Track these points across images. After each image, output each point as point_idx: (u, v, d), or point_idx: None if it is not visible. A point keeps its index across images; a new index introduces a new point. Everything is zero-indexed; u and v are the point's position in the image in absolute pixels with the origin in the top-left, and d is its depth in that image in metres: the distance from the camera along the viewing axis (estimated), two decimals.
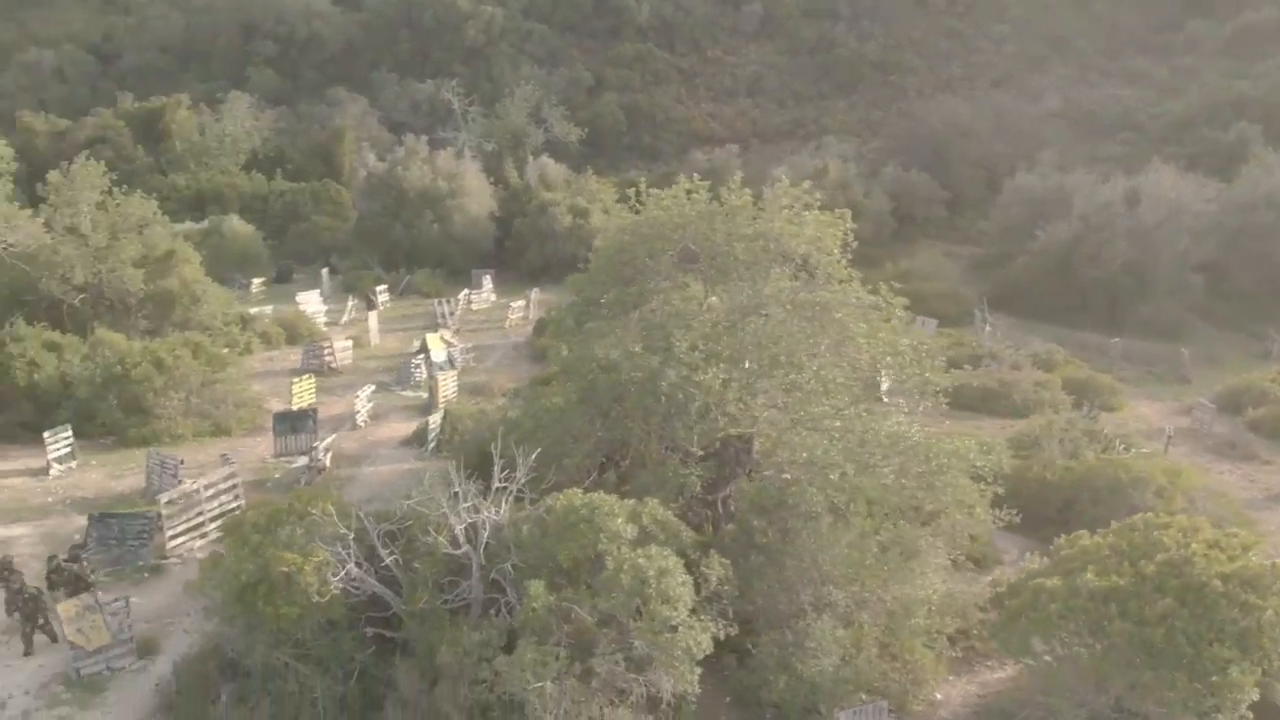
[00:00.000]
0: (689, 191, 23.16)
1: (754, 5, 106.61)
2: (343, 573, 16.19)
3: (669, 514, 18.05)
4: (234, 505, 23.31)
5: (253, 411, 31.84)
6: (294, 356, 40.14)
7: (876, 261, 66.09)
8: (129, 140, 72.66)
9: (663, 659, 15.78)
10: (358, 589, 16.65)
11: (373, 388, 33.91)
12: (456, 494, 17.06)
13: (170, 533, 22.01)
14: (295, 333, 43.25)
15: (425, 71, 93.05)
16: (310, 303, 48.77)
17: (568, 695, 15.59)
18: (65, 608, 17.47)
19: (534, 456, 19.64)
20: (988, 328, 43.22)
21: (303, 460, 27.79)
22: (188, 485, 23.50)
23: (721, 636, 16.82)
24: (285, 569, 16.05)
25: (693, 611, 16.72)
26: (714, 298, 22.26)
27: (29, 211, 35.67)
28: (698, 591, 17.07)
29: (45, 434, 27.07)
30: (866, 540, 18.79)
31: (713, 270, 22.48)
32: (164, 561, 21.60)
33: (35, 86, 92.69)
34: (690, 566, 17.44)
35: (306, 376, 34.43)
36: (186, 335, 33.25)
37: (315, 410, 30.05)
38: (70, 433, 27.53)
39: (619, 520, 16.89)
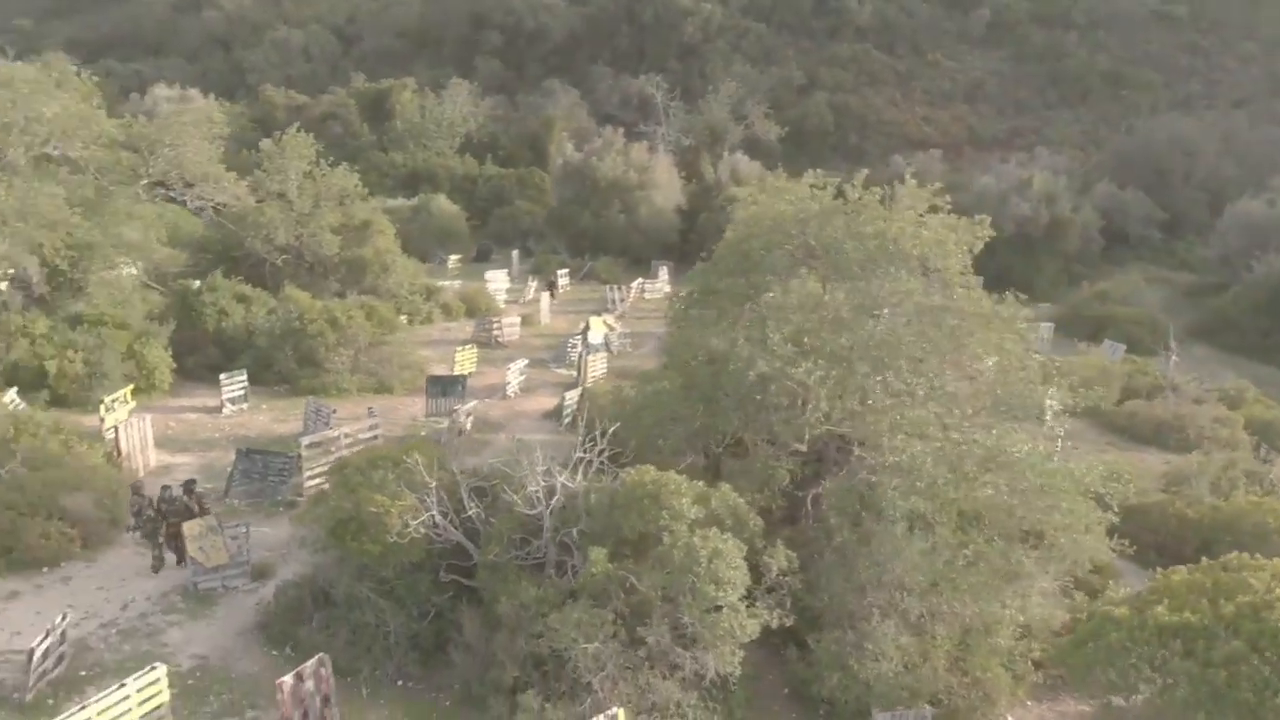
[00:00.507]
0: (814, 187, 23.21)
1: (982, 10, 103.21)
2: (423, 518, 17.37)
3: (740, 501, 18.30)
4: None
5: (415, 374, 33.92)
6: (469, 328, 42.52)
7: (1077, 279, 63.34)
8: (356, 117, 78.23)
9: (707, 637, 16.16)
10: (440, 536, 17.81)
11: (526, 362, 35.47)
12: (537, 458, 17.96)
13: (308, 473, 24.00)
14: (474, 307, 45.70)
15: (641, 66, 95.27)
16: (496, 281, 51.35)
17: (613, 659, 16.22)
18: (189, 526, 19.55)
19: (634, 434, 20.53)
20: (1173, 358, 40.66)
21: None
22: (331, 432, 25.53)
23: (774, 625, 17.01)
24: (374, 509, 17.42)
25: (749, 598, 17.03)
26: (830, 295, 22.22)
27: (234, 175, 39.20)
28: (758, 580, 17.33)
29: (222, 376, 30.00)
30: (946, 551, 18.46)
31: (829, 268, 22.43)
32: (299, 499, 23.59)
33: (283, 63, 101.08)
34: (755, 554, 17.73)
35: (470, 346, 36.50)
36: (364, 299, 35.80)
37: (466, 377, 31.83)
38: (245, 377, 30.35)
39: (684, 500, 17.33)
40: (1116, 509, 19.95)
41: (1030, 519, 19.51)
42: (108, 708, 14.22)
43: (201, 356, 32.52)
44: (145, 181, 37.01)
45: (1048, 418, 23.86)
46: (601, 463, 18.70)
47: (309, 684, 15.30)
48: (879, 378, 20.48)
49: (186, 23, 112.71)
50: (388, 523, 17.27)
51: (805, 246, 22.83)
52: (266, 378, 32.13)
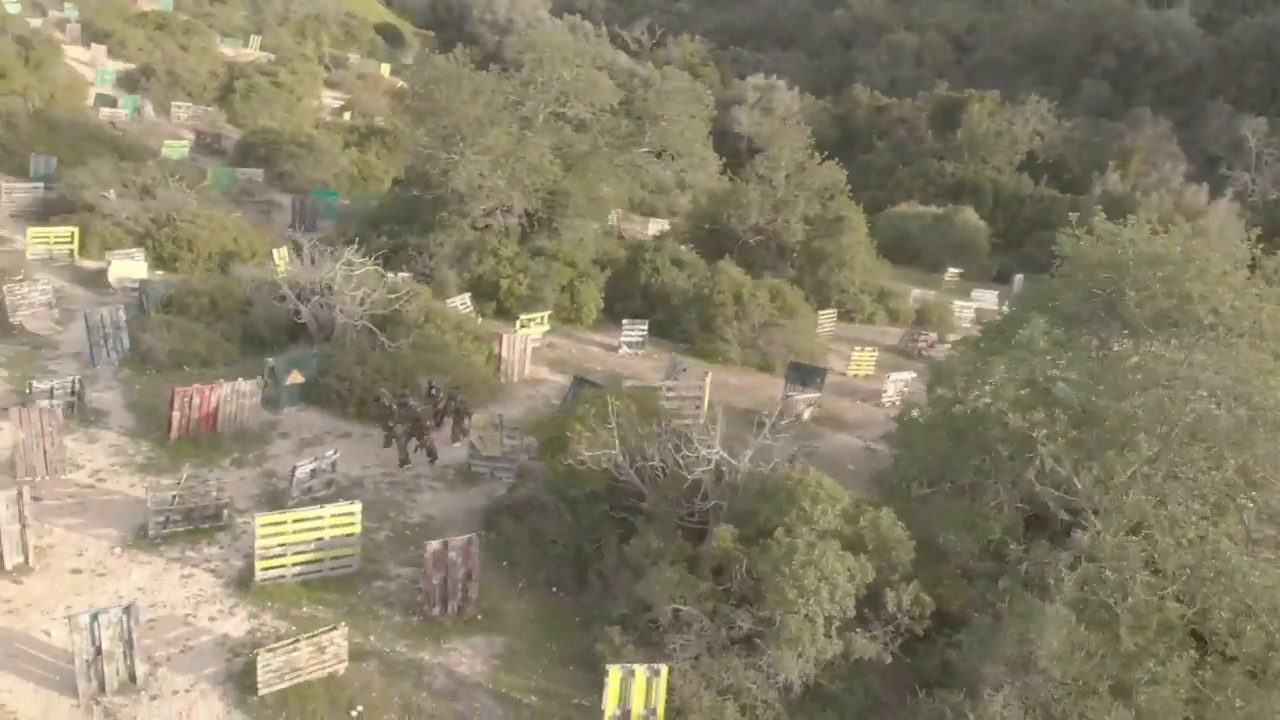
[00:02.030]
0: (1154, 230, 20.64)
1: None
2: (604, 454, 19.41)
3: (895, 531, 17.65)
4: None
5: (806, 360, 35.36)
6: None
7: None
8: (924, 124, 79.19)
9: (774, 637, 16.29)
10: (621, 476, 19.72)
11: (914, 376, 35.03)
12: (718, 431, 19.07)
13: None
14: (925, 318, 45.33)
15: (1273, 109, 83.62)
16: (982, 301, 50.13)
17: (700, 629, 17.01)
18: (478, 419, 23.60)
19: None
20: None
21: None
22: (663, 381, 28.30)
23: (868, 655, 16.54)
24: (570, 434, 19.88)
25: (860, 620, 16.74)
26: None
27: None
28: (874, 607, 16.89)
29: (625, 321, 34.14)
30: (1119, 658, 16.22)
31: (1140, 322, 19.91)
32: None
33: (891, 65, 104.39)
34: (890, 584, 17.23)
35: (871, 349, 36.93)
36: (776, 283, 37.80)
37: (826, 370, 32.62)
38: (645, 327, 34.19)
39: (819, 507, 17.34)
40: None
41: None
42: (305, 518, 18.48)
43: (629, 304, 36.97)
44: (644, 149, 42.45)
45: None
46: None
47: (453, 555, 18.27)
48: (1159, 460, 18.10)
49: (819, 19, 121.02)
50: (576, 448, 19.60)
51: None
52: (672, 334, 35.71)
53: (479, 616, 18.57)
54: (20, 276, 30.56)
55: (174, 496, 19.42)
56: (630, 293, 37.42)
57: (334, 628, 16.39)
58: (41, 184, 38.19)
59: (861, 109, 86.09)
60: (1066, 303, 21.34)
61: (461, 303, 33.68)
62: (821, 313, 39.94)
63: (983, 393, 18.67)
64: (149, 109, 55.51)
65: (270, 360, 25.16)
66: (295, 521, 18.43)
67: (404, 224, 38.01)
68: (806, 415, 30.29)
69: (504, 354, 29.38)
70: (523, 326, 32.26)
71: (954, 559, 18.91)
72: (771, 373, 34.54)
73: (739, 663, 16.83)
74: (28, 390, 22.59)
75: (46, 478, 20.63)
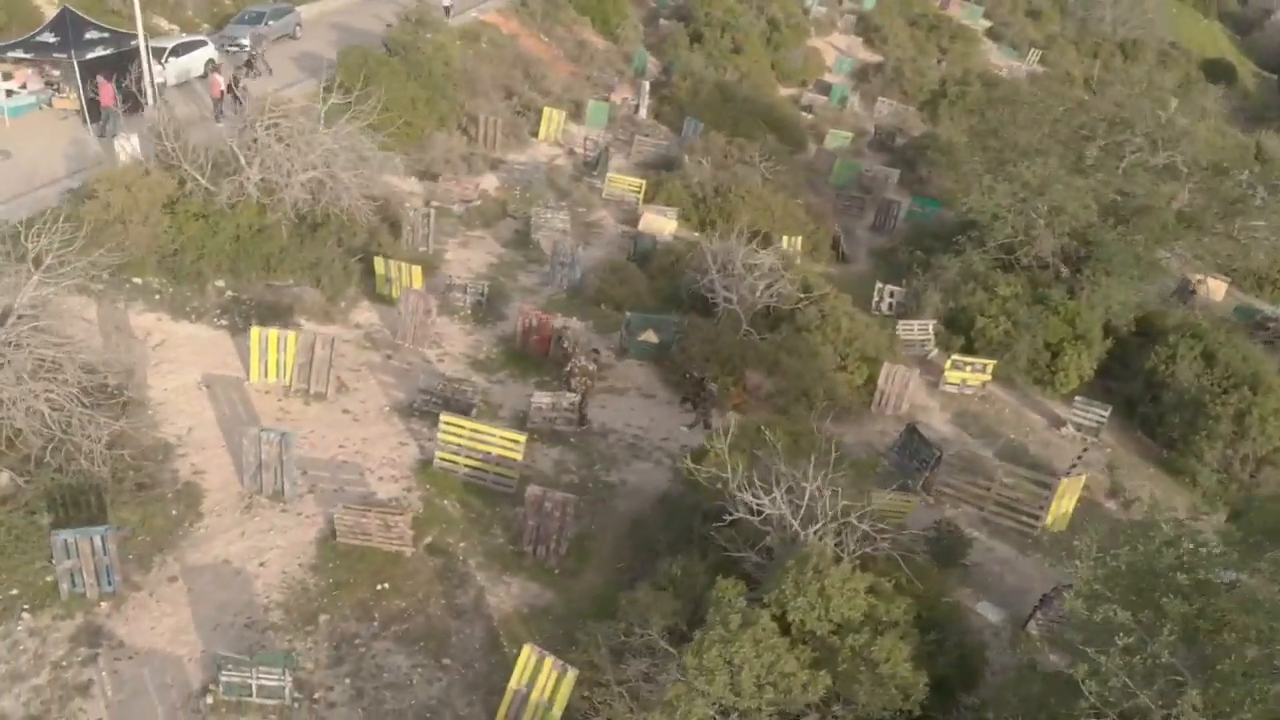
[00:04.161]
0: None
1: None
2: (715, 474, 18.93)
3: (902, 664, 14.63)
4: None
5: None
6: None
7: None
8: None
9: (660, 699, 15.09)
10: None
11: None
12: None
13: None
14: None
15: None
16: None
17: (656, 658, 16.39)
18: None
19: None
20: None
21: None
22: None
23: None
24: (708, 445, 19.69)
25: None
26: None
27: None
28: None
29: (1078, 398, 29.66)
30: None
31: None
32: (925, 497, 24.63)
33: None
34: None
35: None
36: None
37: None
38: (1106, 413, 29.26)
39: (802, 593, 15.22)
40: None
41: None
42: (480, 429, 21.45)
43: (1127, 385, 31.71)
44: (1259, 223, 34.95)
45: None
46: None
47: (549, 505, 19.80)
48: None
49: None
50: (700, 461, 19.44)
51: None
52: (1157, 434, 30.00)
53: (555, 571, 19.88)
54: (584, 211, 37.64)
55: (440, 384, 23.82)
56: (1134, 373, 31.98)
57: (400, 511, 19.35)
58: (671, 141, 45.27)
59: None
60: None
61: (920, 328, 32.47)
62: None
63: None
64: (854, 100, 60.26)
65: (629, 314, 28.07)
66: (471, 430, 21.52)
67: (938, 239, 37.26)
68: None
69: (881, 383, 28.19)
70: (953, 368, 30.20)
71: None
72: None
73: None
74: (449, 280, 28.88)
75: (410, 345, 26.58)
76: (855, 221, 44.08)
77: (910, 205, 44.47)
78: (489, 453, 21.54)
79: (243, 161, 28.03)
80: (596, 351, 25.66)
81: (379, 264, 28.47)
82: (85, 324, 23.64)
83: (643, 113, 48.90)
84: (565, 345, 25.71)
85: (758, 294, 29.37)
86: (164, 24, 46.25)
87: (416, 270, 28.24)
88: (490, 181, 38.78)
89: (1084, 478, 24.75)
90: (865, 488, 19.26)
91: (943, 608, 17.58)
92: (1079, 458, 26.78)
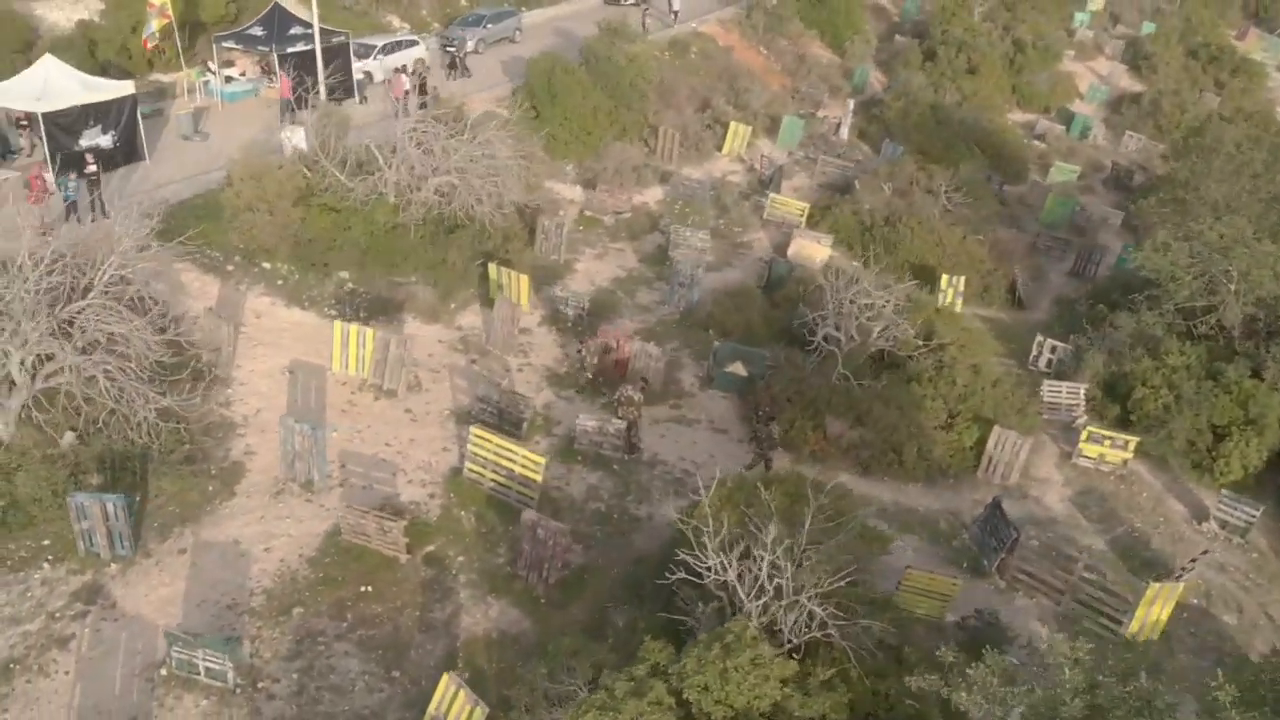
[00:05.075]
0: None
1: None
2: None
3: None
4: None
5: None
6: None
7: None
8: None
9: None
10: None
11: None
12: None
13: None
14: None
15: None
16: None
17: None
18: None
19: None
20: None
21: None
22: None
23: None
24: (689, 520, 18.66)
25: None
26: None
27: None
28: None
29: (1224, 491, 25.82)
30: None
31: None
32: (995, 580, 22.36)
33: None
34: None
35: None
36: None
37: None
38: (1257, 512, 25.37)
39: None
40: None
41: None
42: (505, 446, 21.45)
43: None
44: None
45: None
46: None
47: (541, 533, 19.53)
48: None
49: None
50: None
51: None
52: None
53: (541, 600, 19.58)
54: (739, 231, 36.87)
55: (497, 395, 24.05)
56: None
57: (394, 518, 19.71)
58: (862, 164, 43.33)
59: None
60: None
61: (1070, 391, 29.36)
62: None
63: None
64: (1099, 133, 55.34)
65: (717, 343, 27.10)
66: (497, 445, 21.58)
67: (1127, 294, 33.52)
68: None
69: (989, 447, 25.72)
70: (1089, 440, 27.13)
71: None
72: None
73: None
74: (562, 296, 29.11)
75: (497, 352, 27.01)
76: (1053, 265, 40.44)
77: (1121, 252, 40.17)
78: (512, 470, 21.50)
79: (381, 162, 29.49)
80: (645, 381, 24.96)
81: (492, 270, 29.10)
82: (194, 301, 25.72)
83: (844, 132, 47.12)
84: (762, 411, 24.40)
85: (873, 335, 27.55)
86: (396, 22, 49.56)
87: (524, 279, 28.62)
88: (655, 194, 38.70)
89: (1181, 585, 21.43)
90: (858, 560, 17.57)
91: (904, 710, 15.77)
92: (1193, 560, 23.26)
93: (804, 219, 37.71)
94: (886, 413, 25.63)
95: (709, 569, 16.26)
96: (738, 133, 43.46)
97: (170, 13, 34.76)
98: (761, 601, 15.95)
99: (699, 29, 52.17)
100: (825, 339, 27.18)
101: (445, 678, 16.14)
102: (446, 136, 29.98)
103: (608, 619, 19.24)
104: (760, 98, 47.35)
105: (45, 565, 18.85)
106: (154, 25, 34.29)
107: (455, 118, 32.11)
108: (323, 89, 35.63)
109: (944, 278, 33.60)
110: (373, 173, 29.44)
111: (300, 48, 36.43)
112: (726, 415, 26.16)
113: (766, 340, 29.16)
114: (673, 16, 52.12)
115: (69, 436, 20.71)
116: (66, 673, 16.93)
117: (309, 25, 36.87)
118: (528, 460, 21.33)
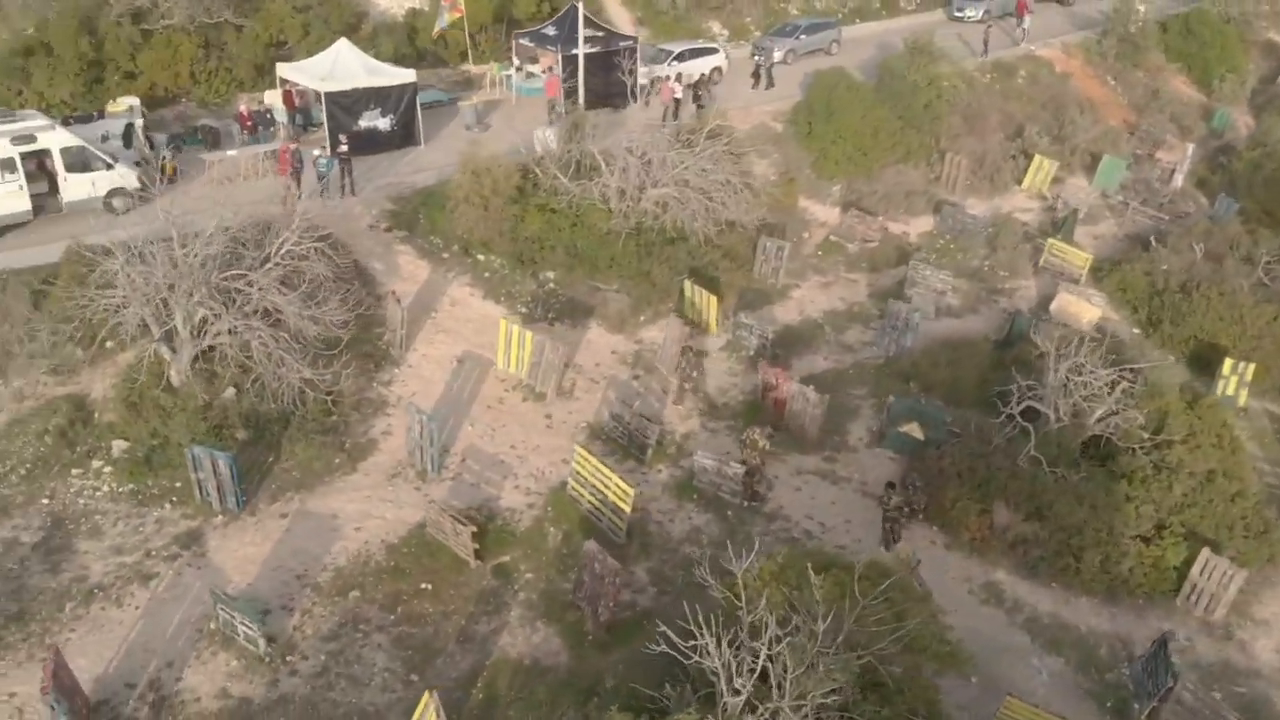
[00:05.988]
0: None
1: None
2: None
3: None
4: None
5: None
6: None
7: None
8: None
9: None
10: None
11: None
12: None
13: None
14: None
15: None
16: None
17: None
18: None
19: None
20: None
21: None
22: None
23: None
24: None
25: None
26: None
27: None
28: None
29: None
30: None
31: None
32: None
33: None
34: None
35: None
36: None
37: None
38: None
39: None
40: None
41: None
42: (600, 471, 20.64)
43: None
44: None
45: None
46: None
47: (598, 567, 18.58)
48: None
49: None
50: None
51: None
52: None
53: (588, 637, 18.68)
54: (1004, 275, 33.24)
55: (627, 418, 23.27)
56: None
57: (466, 523, 19.60)
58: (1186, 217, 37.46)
59: None
60: None
61: None
62: None
63: None
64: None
65: (892, 399, 24.37)
66: (594, 466, 20.85)
67: None
68: None
69: (1194, 573, 21.22)
70: None
71: None
72: None
73: None
74: (747, 323, 27.65)
75: (664, 371, 26.17)
76: None
77: None
78: (605, 496, 20.70)
79: (604, 169, 29.59)
80: (773, 429, 22.92)
81: (686, 287, 28.26)
82: (404, 283, 27.05)
83: (1178, 179, 40.89)
84: (895, 489, 21.96)
85: (1091, 419, 23.65)
86: (716, 28, 49.62)
87: (714, 300, 27.53)
88: (921, 225, 35.84)
89: None
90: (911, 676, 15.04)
91: None
92: None
93: (1085, 271, 33.18)
94: (1074, 509, 21.84)
95: (692, 648, 14.59)
96: (1042, 167, 39.09)
97: (462, 7, 36.96)
98: (742, 699, 14.06)
99: (1037, 52, 47.54)
100: (1024, 414, 23.64)
101: (426, 696, 15.74)
102: (670, 149, 29.46)
103: (642, 672, 17.92)
104: (1089, 131, 42.28)
105: (167, 505, 20.67)
106: (446, 17, 36.59)
107: (695, 130, 31.52)
108: (581, 91, 36.31)
109: (1228, 362, 28.17)
110: (594, 179, 29.57)
111: (588, 49, 37.37)
112: (885, 479, 23.53)
113: (976, 403, 25.91)
114: (1022, 33, 48.02)
115: (230, 391, 22.58)
116: (137, 607, 18.43)
117: (601, 29, 37.75)
118: (619, 488, 20.41)
